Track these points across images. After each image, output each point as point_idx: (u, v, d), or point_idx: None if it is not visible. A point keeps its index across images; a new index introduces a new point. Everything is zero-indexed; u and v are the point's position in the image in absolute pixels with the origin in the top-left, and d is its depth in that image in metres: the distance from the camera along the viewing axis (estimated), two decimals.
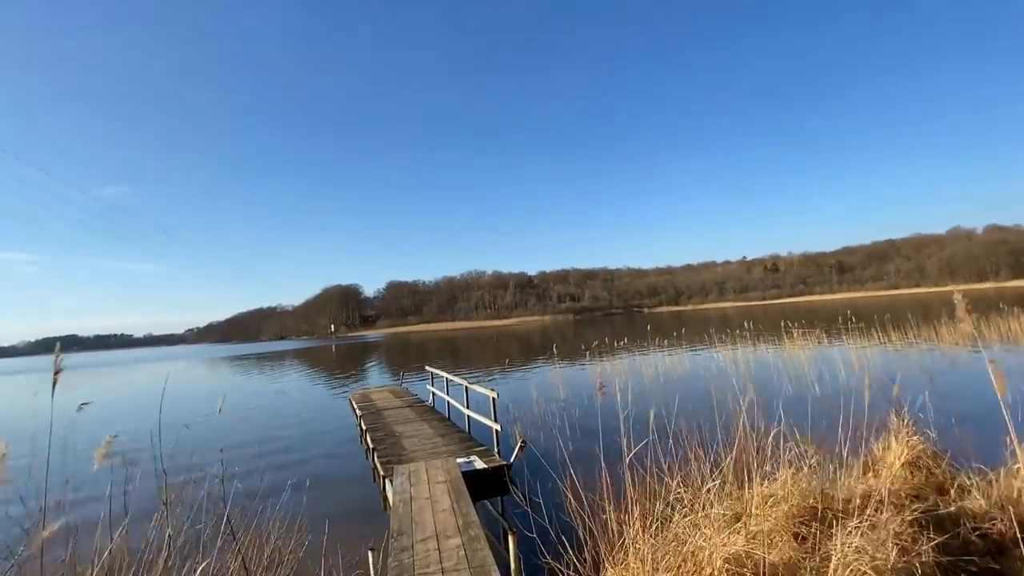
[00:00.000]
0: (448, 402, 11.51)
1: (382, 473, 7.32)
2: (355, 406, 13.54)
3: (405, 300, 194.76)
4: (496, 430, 8.02)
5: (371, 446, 8.95)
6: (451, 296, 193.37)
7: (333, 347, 71.80)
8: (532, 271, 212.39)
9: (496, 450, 8.00)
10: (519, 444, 7.47)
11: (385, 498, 6.90)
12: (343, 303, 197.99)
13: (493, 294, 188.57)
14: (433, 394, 13.32)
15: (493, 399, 8.02)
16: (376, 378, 24.58)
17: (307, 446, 11.03)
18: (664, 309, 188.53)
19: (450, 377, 11.24)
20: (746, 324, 28.97)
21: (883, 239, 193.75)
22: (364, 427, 10.75)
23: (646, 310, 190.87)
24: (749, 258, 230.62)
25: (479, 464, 7.35)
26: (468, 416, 9.70)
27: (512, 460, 7.50)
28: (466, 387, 9.71)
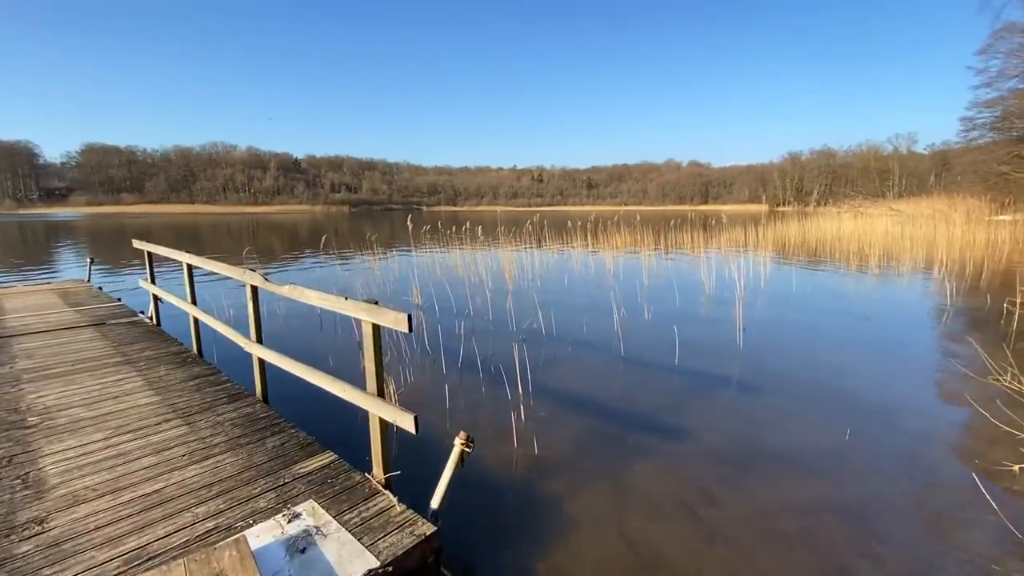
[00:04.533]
0: (195, 320, 5.26)
1: None
2: None
3: (116, 171, 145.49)
4: (384, 421, 2.78)
5: None
6: (188, 172, 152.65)
7: None
8: (299, 154, 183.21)
9: (381, 474, 2.81)
10: (458, 445, 2.54)
11: None
12: (7, 167, 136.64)
13: (248, 174, 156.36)
14: (156, 300, 6.54)
15: (374, 327, 2.64)
16: (71, 272, 14.39)
17: None
18: (443, 208, 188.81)
19: (202, 265, 4.88)
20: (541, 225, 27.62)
21: (620, 163, 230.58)
22: None
23: (425, 208, 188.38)
24: (519, 167, 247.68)
25: (345, 544, 2.16)
26: (259, 361, 3.99)
27: (436, 510, 2.54)
28: (251, 288, 3.87)
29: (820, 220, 25.06)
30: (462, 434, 2.64)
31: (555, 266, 13.96)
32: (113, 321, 6.32)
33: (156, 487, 2.67)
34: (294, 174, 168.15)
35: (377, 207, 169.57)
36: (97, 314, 6.75)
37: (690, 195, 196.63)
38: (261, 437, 3.26)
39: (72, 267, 15.64)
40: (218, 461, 2.95)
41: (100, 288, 8.95)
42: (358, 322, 2.70)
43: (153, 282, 6.36)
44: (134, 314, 6.75)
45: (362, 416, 3.32)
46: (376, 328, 2.61)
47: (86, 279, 9.85)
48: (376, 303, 2.57)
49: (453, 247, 18.23)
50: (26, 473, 2.80)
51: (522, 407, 4.36)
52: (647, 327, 7.18)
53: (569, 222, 22.19)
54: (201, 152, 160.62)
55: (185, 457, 2.98)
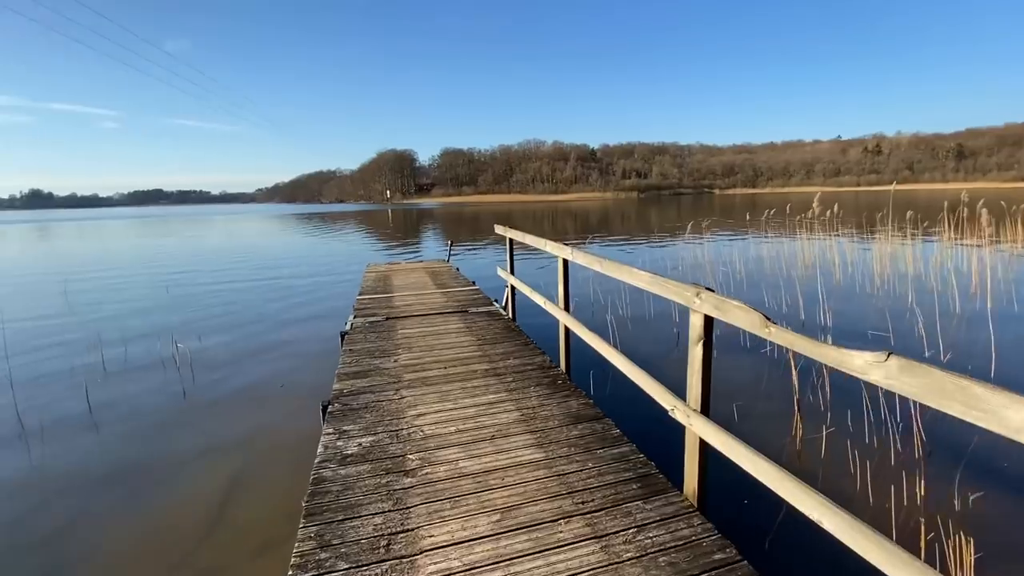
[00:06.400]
0: (566, 330, 4.17)
1: None
2: (356, 307, 6.66)
3: (460, 169, 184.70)
4: None
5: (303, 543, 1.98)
6: (507, 167, 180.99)
7: (389, 212, 69.71)
8: (595, 144, 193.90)
9: None
10: None
11: None
12: (398, 169, 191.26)
13: (552, 166, 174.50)
14: (513, 292, 6.03)
15: None
16: (432, 249, 18.06)
17: None
18: (738, 191, 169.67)
19: (610, 272, 3.48)
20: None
21: (1021, 121, 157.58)
22: (336, 392, 3.81)
23: (717, 191, 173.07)
24: (845, 138, 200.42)
25: None
26: (700, 444, 2.29)
27: None
28: (703, 319, 2.21)
29: None
30: None
31: (1001, 273, 8.87)
32: (474, 310, 6.05)
33: None
34: (589, 163, 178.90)
35: (665, 192, 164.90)
36: (459, 299, 6.75)
37: None
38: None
39: (433, 241, 18.96)
40: None
41: (458, 269, 9.60)
42: None
43: (512, 272, 5.81)
44: (490, 303, 6.45)
45: None
46: None
47: (446, 259, 10.91)
48: None
49: (783, 233, 14.34)
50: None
51: None
52: None
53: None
54: (518, 149, 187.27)
55: None
